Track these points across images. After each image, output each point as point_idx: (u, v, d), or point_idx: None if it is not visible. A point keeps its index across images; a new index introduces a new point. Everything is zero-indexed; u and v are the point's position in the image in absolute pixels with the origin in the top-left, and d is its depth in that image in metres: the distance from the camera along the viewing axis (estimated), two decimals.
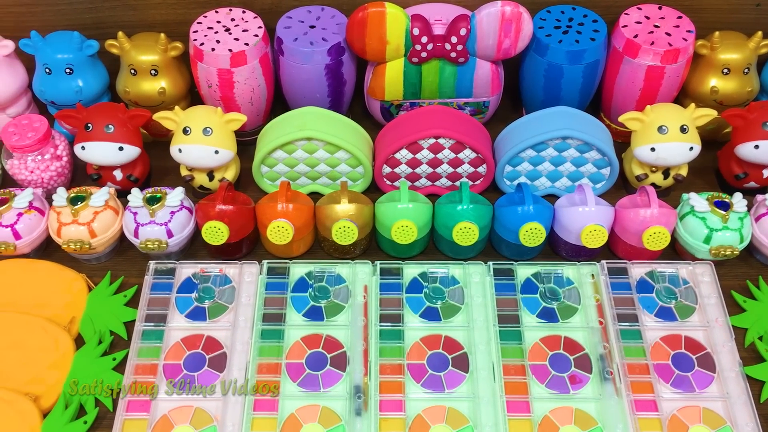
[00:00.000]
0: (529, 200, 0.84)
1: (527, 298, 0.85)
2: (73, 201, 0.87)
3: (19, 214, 0.87)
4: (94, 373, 0.80)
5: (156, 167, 1.00)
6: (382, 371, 0.79)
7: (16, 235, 0.86)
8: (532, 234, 0.83)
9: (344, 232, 0.84)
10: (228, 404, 0.77)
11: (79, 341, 0.83)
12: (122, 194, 0.91)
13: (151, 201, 0.87)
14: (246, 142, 1.01)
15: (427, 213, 0.86)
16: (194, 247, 0.92)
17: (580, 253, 0.88)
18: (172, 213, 0.86)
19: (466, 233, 0.84)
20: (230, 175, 0.94)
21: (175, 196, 0.87)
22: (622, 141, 1.00)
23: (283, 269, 0.87)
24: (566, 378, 0.79)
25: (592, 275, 0.86)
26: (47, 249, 0.91)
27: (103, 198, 0.87)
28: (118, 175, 0.93)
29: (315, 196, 0.95)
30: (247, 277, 0.87)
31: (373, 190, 0.95)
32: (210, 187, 0.94)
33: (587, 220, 0.84)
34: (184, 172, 0.94)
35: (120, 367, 0.80)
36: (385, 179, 0.95)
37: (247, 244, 0.90)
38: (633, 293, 0.84)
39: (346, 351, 0.81)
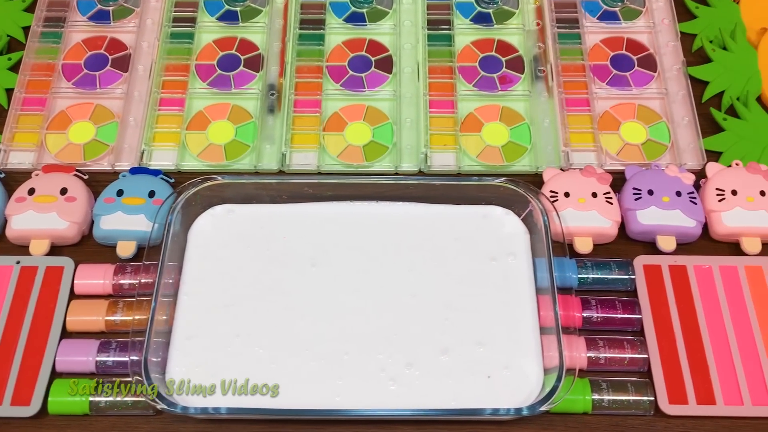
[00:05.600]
0: None
1: (462, 3, 0.78)
2: None
3: None
4: None
5: None
6: (299, 72, 0.73)
7: None
8: None
9: None
10: (131, 102, 0.72)
11: None
12: None
13: None
14: None
15: None
16: None
17: None
18: None
19: None
20: None
21: None
22: None
23: None
24: (496, 78, 0.73)
25: None
26: None
27: None
28: None
29: None
30: None
31: None
32: None
33: None
34: None
35: (16, 68, 0.74)
36: None
37: None
38: None
39: (262, 53, 0.75)
